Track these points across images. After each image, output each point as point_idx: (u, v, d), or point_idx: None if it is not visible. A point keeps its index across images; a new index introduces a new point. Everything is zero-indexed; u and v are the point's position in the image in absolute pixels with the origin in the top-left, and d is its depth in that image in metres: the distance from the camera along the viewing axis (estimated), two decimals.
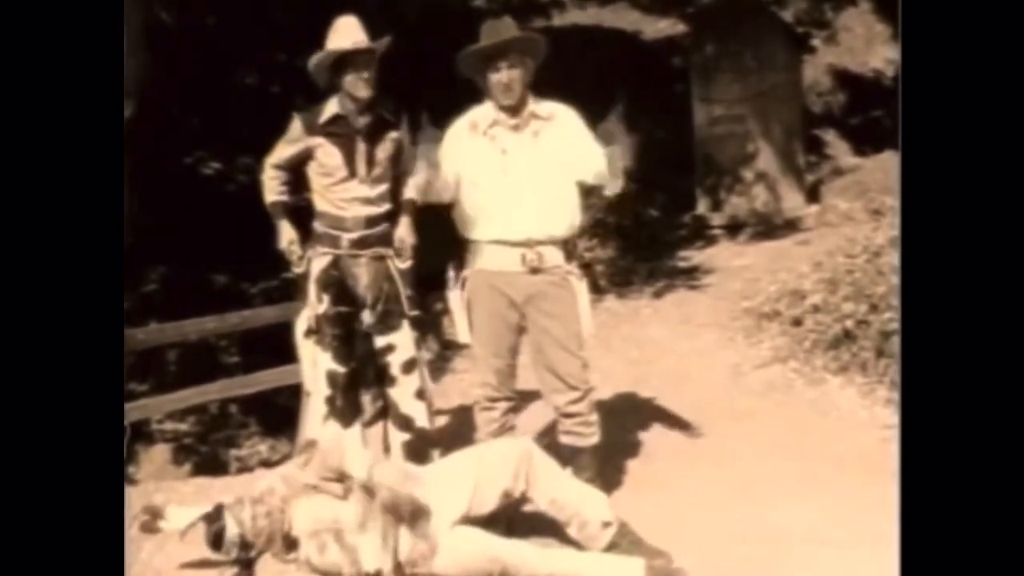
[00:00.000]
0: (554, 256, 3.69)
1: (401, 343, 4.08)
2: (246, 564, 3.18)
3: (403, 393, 4.10)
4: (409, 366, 4.10)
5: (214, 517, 3.15)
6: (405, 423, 4.10)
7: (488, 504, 3.23)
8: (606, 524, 3.33)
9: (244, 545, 3.14)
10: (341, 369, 4.06)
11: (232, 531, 3.10)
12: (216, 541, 3.14)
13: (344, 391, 4.08)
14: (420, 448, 4.08)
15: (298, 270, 4.14)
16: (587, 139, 3.72)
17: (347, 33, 3.91)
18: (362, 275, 4.04)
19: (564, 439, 3.81)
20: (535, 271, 3.67)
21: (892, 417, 4.45)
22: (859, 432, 4.55)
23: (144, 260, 6.39)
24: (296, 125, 4.06)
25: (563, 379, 3.72)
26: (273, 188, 4.15)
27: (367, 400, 4.18)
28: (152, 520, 3.22)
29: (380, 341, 4.08)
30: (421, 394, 4.14)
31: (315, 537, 3.11)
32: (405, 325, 4.09)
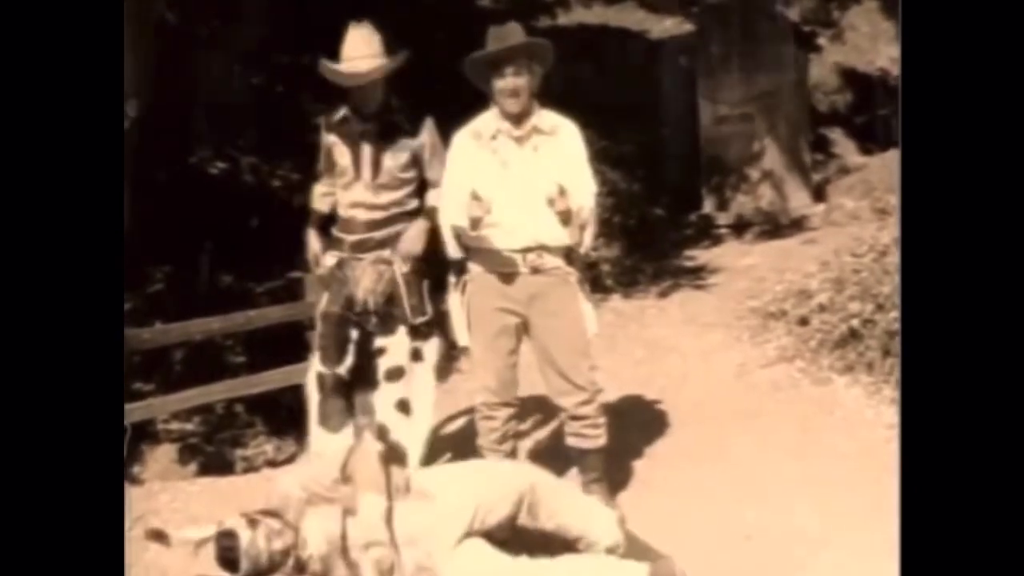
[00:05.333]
0: (554, 259, 3.68)
1: (392, 349, 4.01)
2: None
3: (384, 401, 4.01)
4: (394, 374, 4.00)
5: (227, 543, 3.00)
6: (380, 432, 3.91)
7: (489, 524, 3.17)
8: (612, 549, 3.29)
9: (258, 572, 3.08)
10: (327, 371, 4.02)
11: (246, 565, 3.02)
12: (228, 567, 3.04)
13: (330, 395, 4.02)
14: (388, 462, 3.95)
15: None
16: (582, 165, 3.71)
17: (359, 47, 3.84)
18: (361, 278, 3.97)
19: (571, 441, 3.79)
20: (536, 271, 3.66)
21: (897, 416, 4.43)
22: (865, 431, 4.53)
23: (149, 260, 6.39)
24: (321, 128, 4.06)
25: (571, 380, 3.70)
26: (316, 192, 4.16)
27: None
28: (159, 540, 3.18)
29: (377, 343, 4.03)
30: (404, 407, 4.02)
31: (326, 561, 3.05)
32: (401, 331, 4.00)
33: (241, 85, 7.85)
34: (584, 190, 3.68)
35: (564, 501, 3.32)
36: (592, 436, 3.75)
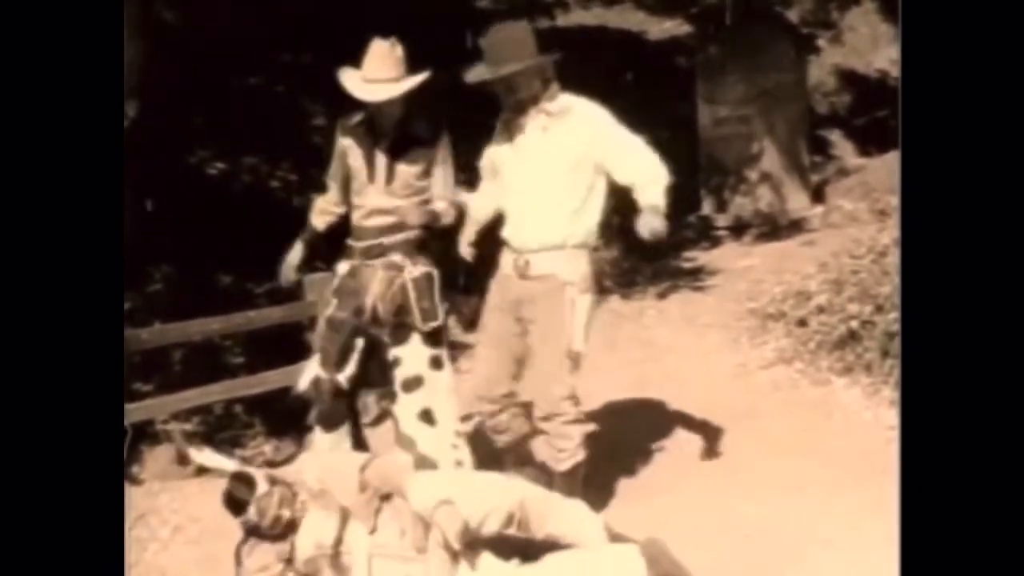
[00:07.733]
0: (547, 264, 3.56)
1: (407, 358, 3.89)
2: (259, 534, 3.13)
3: (405, 412, 3.90)
4: (411, 384, 3.88)
5: (243, 487, 3.06)
6: (407, 444, 3.86)
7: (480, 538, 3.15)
8: None
9: (256, 527, 3.10)
10: (324, 375, 3.92)
11: (251, 518, 3.06)
12: (233, 509, 3.09)
13: (325, 399, 3.95)
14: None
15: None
16: (615, 130, 3.57)
17: (380, 68, 3.73)
18: (372, 285, 3.87)
19: (541, 456, 3.73)
20: (523, 277, 3.59)
21: (897, 418, 4.44)
22: (864, 433, 4.54)
23: (148, 260, 6.39)
24: (337, 132, 4.01)
25: (543, 393, 3.59)
26: (316, 207, 4.12)
27: (371, 400, 4.12)
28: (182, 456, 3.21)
29: (392, 352, 3.91)
30: (427, 416, 3.88)
31: (311, 563, 3.05)
32: (415, 339, 3.87)
33: (241, 85, 7.85)
34: (627, 153, 3.56)
35: (553, 512, 3.23)
36: (559, 458, 3.60)
